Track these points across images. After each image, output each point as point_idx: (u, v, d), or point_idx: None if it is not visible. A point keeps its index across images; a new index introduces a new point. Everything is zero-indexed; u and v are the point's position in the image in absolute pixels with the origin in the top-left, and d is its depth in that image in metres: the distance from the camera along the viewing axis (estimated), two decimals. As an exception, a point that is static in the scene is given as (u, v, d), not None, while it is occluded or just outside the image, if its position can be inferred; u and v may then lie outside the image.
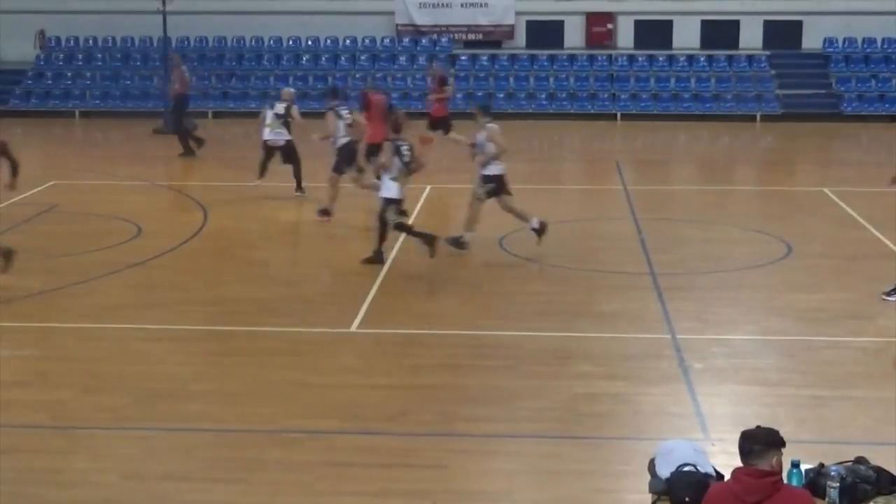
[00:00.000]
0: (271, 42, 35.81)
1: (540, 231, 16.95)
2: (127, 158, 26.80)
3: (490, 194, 16.89)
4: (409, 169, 16.30)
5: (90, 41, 36.08)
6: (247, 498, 9.42)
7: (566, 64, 35.18)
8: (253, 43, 35.83)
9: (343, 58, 35.49)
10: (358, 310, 14.38)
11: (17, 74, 35.09)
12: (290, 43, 35.79)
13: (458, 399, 11.47)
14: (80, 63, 35.61)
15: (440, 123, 25.11)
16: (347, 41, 35.76)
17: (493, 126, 16.90)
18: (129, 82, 34.66)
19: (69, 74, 35.13)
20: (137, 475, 9.82)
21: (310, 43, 35.79)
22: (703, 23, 35.54)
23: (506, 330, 13.63)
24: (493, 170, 16.81)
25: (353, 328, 13.77)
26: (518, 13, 35.90)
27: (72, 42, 36.11)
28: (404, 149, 16.16)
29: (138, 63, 35.37)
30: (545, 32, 35.99)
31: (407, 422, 10.89)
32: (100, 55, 35.84)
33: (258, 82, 34.78)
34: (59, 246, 17.33)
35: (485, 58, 35.48)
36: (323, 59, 35.52)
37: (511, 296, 15.16)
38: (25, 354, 13.04)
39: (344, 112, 19.25)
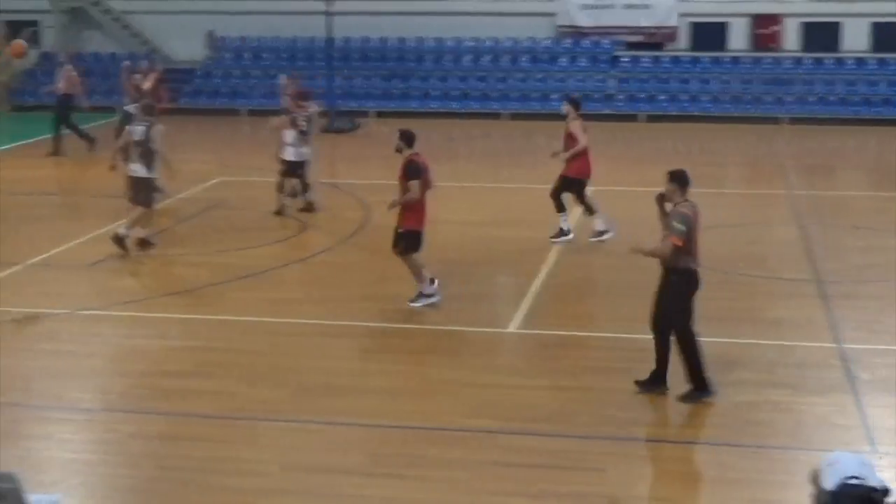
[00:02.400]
0: (432, 42, 36.04)
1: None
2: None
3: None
4: None
5: (257, 41, 36.81)
6: (404, 493, 9.50)
7: (730, 66, 34.62)
8: (414, 43, 36.13)
9: (503, 59, 35.52)
10: (516, 310, 14.39)
11: (187, 73, 35.98)
12: (451, 43, 35.97)
13: (617, 402, 11.38)
14: (248, 62, 36.36)
15: None
16: (508, 42, 35.78)
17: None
18: (293, 81, 35.22)
19: (237, 73, 35.89)
20: (297, 467, 9.98)
21: (470, 43, 35.92)
22: (874, 25, 34.62)
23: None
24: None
25: (512, 328, 13.78)
26: (681, 14, 35.48)
27: (239, 42, 36.89)
28: None
29: (303, 62, 35.92)
30: (708, 34, 35.47)
31: (565, 423, 10.85)
32: (266, 55, 36.54)
33: (419, 82, 35.05)
34: (225, 241, 17.71)
35: (647, 60, 35.14)
36: (483, 59, 35.61)
37: (671, 300, 14.93)
38: (192, 345, 13.38)
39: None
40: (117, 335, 13.67)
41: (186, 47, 36.86)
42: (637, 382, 11.58)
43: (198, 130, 31.08)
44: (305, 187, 19.63)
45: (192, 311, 14.38)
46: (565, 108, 17.87)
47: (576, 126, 17.51)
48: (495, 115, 33.64)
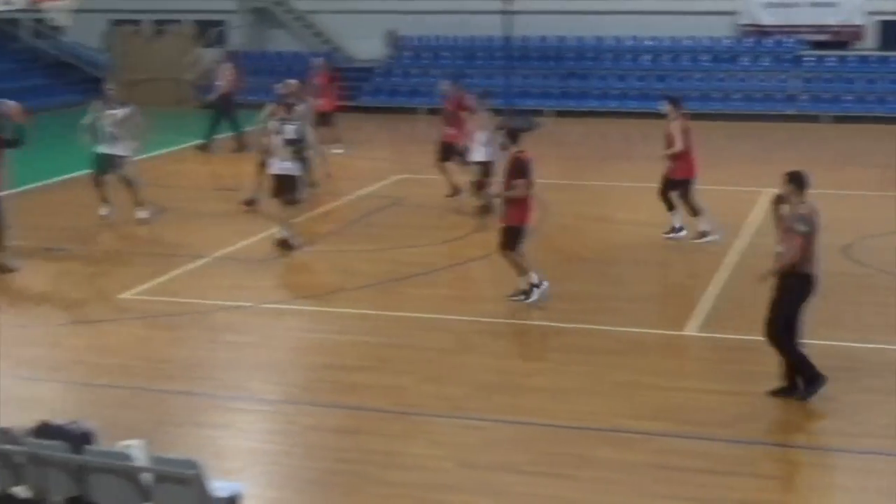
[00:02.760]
0: (611, 41, 35.81)
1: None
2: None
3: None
4: None
5: (437, 40, 37.11)
6: (577, 494, 9.48)
7: (920, 66, 33.56)
8: (593, 42, 35.95)
9: (683, 58, 35.10)
10: (692, 312, 14.21)
11: (367, 72, 36.50)
12: (630, 42, 35.69)
13: (795, 409, 11.16)
14: (427, 61, 36.68)
15: None
16: (688, 41, 35.33)
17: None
18: (472, 80, 35.36)
19: (416, 72, 36.25)
20: (472, 464, 10.04)
21: (649, 43, 35.59)
22: None
23: (848, 341, 13.15)
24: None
25: (688, 331, 13.62)
26: (869, 13, 34.51)
27: (419, 41, 37.25)
28: None
29: (481, 61, 36.10)
30: (898, 33, 34.48)
31: (741, 429, 10.68)
32: (445, 54, 36.81)
33: (598, 82, 34.87)
34: (403, 237, 17.92)
35: (832, 59, 34.28)
36: (663, 58, 35.24)
37: (857, 306, 14.60)
38: (371, 340, 13.58)
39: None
40: (299, 328, 13.96)
41: (367, 46, 37.40)
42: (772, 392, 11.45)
43: (377, 129, 31.50)
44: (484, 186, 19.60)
45: (371, 306, 14.58)
46: (666, 107, 17.76)
47: (675, 127, 17.36)
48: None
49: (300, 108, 19.01)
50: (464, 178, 20.10)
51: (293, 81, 20.28)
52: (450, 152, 20.50)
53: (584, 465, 9.99)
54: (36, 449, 8.32)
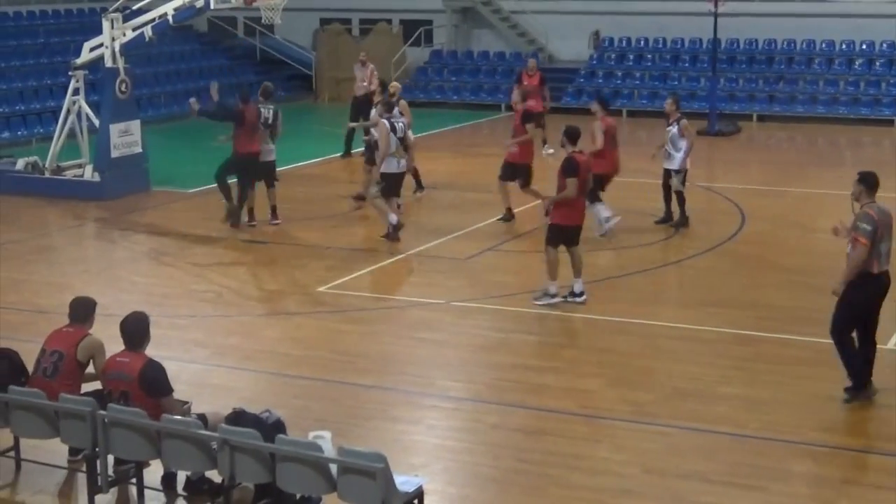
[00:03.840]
0: (823, 45, 34.84)
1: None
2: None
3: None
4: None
5: (641, 42, 36.77)
6: (764, 507, 9.30)
7: None
8: (804, 46, 35.03)
9: (899, 63, 33.93)
10: (896, 326, 13.73)
11: (571, 73, 36.38)
12: (844, 47, 34.67)
13: None
14: (631, 63, 36.37)
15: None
16: (905, 45, 34.14)
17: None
18: (676, 83, 35.00)
19: (619, 74, 35.98)
20: (658, 471, 9.93)
21: (864, 47, 34.50)
22: None
23: None
24: None
25: (891, 345, 13.14)
26: None
27: (624, 43, 36.96)
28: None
29: (686, 64, 35.61)
30: None
31: (937, 448, 10.29)
32: (650, 56, 36.45)
33: (807, 86, 33.98)
34: (599, 240, 17.74)
35: None
36: (877, 63, 34.11)
37: None
38: (559, 341, 13.57)
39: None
40: (488, 327, 14.01)
41: (571, 47, 37.30)
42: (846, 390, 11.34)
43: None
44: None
45: (562, 308, 14.53)
46: (594, 106, 18.63)
47: (597, 126, 18.05)
48: (888, 122, 32.18)
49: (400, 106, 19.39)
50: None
51: (396, 84, 21.42)
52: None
53: (773, 477, 9.77)
54: (229, 436, 8.58)
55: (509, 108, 26.04)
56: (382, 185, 17.82)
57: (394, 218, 17.73)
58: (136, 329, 9.38)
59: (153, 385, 9.16)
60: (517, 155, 18.83)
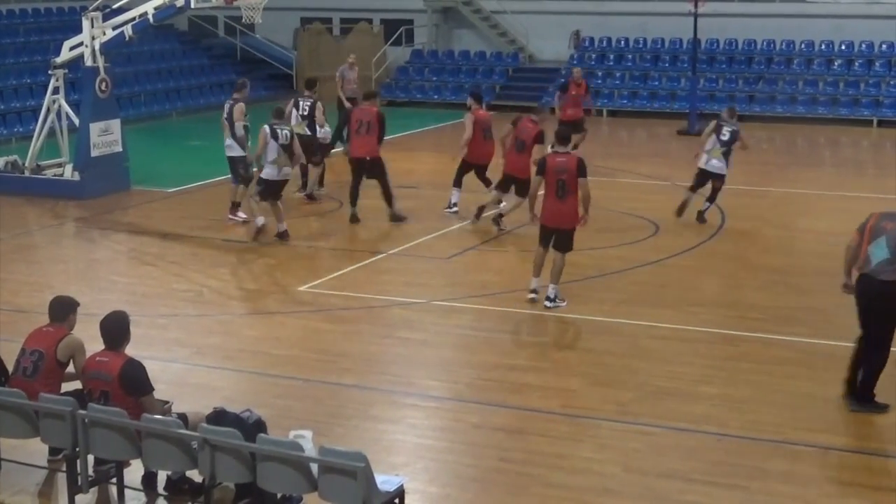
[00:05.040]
0: (803, 46, 34.94)
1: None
2: (650, 157, 27.16)
3: None
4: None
5: (622, 42, 36.83)
6: (745, 506, 9.31)
7: None
8: (783, 46, 35.14)
9: (878, 63, 34.03)
10: (876, 325, 13.76)
11: (551, 73, 36.42)
12: (823, 47, 34.78)
13: (981, 429, 10.74)
14: (612, 63, 36.43)
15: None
16: (884, 46, 34.24)
17: None
18: (656, 83, 35.07)
19: (600, 74, 36.02)
20: (639, 470, 9.94)
21: (843, 47, 34.63)
22: None
23: None
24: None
25: (869, 344, 13.19)
26: None
27: (604, 43, 37.01)
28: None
29: (667, 64, 35.69)
30: None
31: (920, 447, 10.33)
32: (630, 56, 36.51)
33: (787, 86, 34.09)
34: (580, 239, 17.67)
35: None
36: (856, 64, 34.24)
37: None
38: (541, 341, 13.57)
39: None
40: (470, 326, 14.01)
41: (552, 47, 37.33)
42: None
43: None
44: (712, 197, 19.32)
45: (542, 307, 14.53)
46: (469, 100, 20.04)
47: (469, 118, 19.63)
48: (867, 122, 32.31)
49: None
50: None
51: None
52: None
53: (754, 476, 9.79)
54: (210, 435, 8.55)
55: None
56: (261, 188, 17.86)
57: (260, 220, 17.78)
58: (116, 328, 9.34)
59: (133, 384, 9.12)
60: (518, 169, 18.50)
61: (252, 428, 8.88)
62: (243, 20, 21.79)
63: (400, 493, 8.46)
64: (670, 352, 13.03)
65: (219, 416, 9.02)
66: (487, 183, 19.77)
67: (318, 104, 20.43)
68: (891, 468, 9.90)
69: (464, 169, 19.90)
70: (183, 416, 9.23)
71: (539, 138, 18.31)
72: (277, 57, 39.01)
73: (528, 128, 18.37)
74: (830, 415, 11.10)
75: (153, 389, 9.25)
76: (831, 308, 14.64)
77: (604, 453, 10.26)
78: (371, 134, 18.91)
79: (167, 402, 9.59)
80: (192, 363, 12.62)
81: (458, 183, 19.93)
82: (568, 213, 14.53)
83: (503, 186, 18.73)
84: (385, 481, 8.41)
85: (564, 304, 14.50)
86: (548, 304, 14.46)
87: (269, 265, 16.91)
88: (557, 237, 14.57)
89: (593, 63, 36.57)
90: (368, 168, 19.02)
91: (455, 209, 19.75)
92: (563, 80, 26.92)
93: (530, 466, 9.98)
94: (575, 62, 36.54)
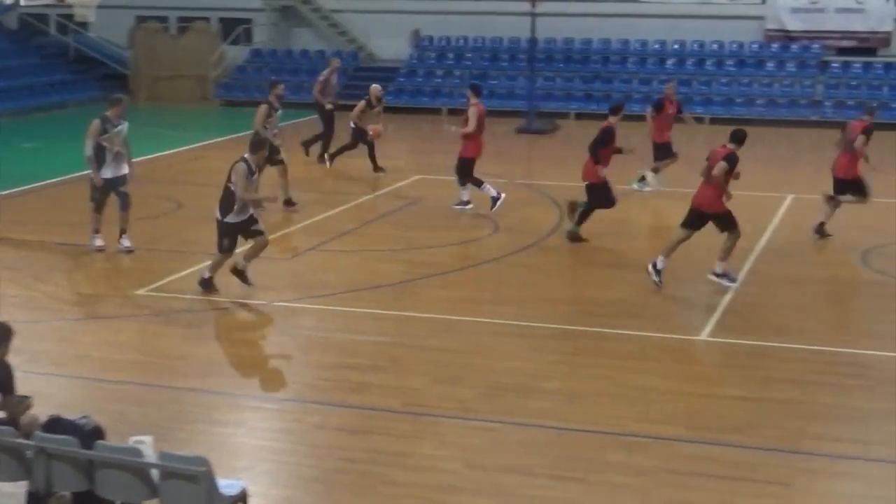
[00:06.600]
0: (637, 45, 35.70)
1: None
2: (488, 156, 27.32)
3: None
4: None
5: (461, 41, 37.09)
6: (586, 498, 9.45)
7: (947, 74, 33.34)
8: (618, 45, 35.84)
9: (709, 62, 34.96)
10: (710, 317, 14.16)
11: (391, 72, 36.49)
12: (656, 46, 35.57)
13: (808, 416, 11.11)
14: (451, 62, 36.65)
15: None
16: (714, 45, 35.19)
17: None
18: (495, 82, 35.39)
19: (439, 73, 36.22)
20: (481, 466, 10.02)
21: (675, 47, 35.47)
22: None
23: (865, 348, 13.09)
24: None
25: (703, 335, 13.57)
26: (896, 19, 34.34)
27: (444, 42, 37.23)
28: None
29: (505, 63, 36.05)
30: (926, 40, 34.24)
31: (753, 435, 10.62)
32: (469, 55, 36.79)
33: (622, 85, 34.77)
34: (420, 238, 17.92)
35: (858, 66, 34.11)
36: (688, 63, 35.11)
37: (873, 314, 14.53)
38: (382, 340, 13.57)
39: None
40: (311, 327, 13.95)
41: (391, 46, 37.41)
42: None
43: (398, 129, 31.45)
44: None
45: (383, 306, 14.57)
46: (468, 93, 20.31)
47: (472, 112, 19.75)
48: (699, 120, 33.09)
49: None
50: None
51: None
52: None
53: (594, 468, 9.95)
54: (45, 443, 8.35)
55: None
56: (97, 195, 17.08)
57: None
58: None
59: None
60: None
61: (89, 435, 8.69)
62: (76, 18, 21.35)
63: (243, 496, 8.39)
64: (510, 348, 13.17)
65: (54, 424, 8.80)
66: (478, 183, 19.75)
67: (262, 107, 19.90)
68: (725, 456, 10.14)
69: (469, 167, 19.86)
70: (15, 423, 8.99)
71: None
72: (112, 56, 38.24)
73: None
74: (667, 406, 11.35)
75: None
76: (666, 301, 15.02)
77: (446, 450, 10.32)
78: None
79: (27, 397, 9.33)
80: (26, 370, 12.14)
81: (471, 182, 19.86)
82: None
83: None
84: (227, 485, 8.33)
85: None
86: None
87: (106, 269, 16.58)
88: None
89: (433, 62, 36.77)
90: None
91: (468, 205, 19.82)
92: (656, 97, 25.02)
93: (373, 465, 9.98)
94: (415, 61, 36.74)
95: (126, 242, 17.01)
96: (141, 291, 15.19)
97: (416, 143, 30.62)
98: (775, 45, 34.98)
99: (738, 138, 15.16)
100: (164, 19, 39.04)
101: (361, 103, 23.22)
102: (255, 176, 14.81)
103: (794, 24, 34.97)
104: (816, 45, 34.63)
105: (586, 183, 17.84)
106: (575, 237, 17.76)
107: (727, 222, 15.14)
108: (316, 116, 25.57)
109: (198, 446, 9.83)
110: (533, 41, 32.51)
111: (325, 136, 24.40)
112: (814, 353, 12.93)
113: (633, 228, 19.44)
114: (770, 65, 34.66)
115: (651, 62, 35.37)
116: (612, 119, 18.25)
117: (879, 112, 31.98)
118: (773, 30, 35.18)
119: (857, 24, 34.57)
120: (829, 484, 9.76)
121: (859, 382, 11.98)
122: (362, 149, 23.59)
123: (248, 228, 14.88)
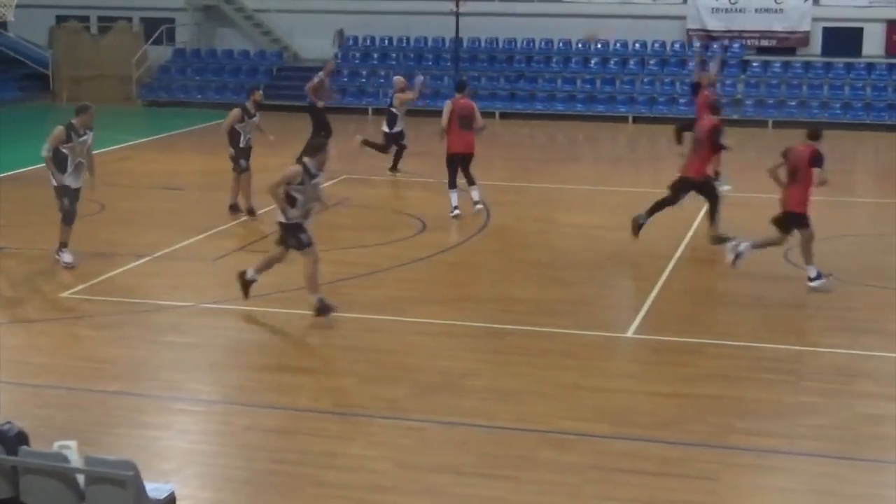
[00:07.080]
0: (560, 44, 35.91)
1: None
2: (413, 156, 27.33)
3: None
4: None
5: (386, 41, 37.08)
6: (515, 496, 9.48)
7: (863, 73, 33.92)
8: (542, 45, 36.03)
9: (632, 62, 35.27)
10: (635, 315, 14.29)
11: (316, 71, 36.27)
12: (580, 46, 35.82)
13: (734, 411, 11.24)
14: (376, 61, 36.63)
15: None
16: (637, 45, 35.52)
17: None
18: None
19: (364, 73, 36.18)
20: (411, 465, 10.03)
21: (599, 46, 35.73)
22: None
23: (787, 344, 13.28)
24: None
25: (630, 333, 13.68)
26: (815, 19, 34.87)
27: (368, 41, 37.19)
28: None
29: (430, 63, 36.09)
30: (842, 40, 34.78)
31: (679, 431, 10.73)
32: (394, 54, 36.78)
33: (546, 84, 34.97)
34: (348, 238, 17.86)
35: (777, 65, 34.60)
36: (611, 62, 35.39)
37: (794, 309, 14.75)
38: (311, 341, 13.53)
39: None
40: (238, 329, 13.88)
41: (316, 45, 37.29)
42: None
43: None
44: None
45: (310, 308, 14.47)
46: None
47: (445, 106, 19.88)
48: (623, 119, 33.43)
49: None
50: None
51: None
52: None
53: (522, 466, 9.99)
54: (-34, 450, 8.22)
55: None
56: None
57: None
58: None
59: None
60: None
61: (13, 440, 8.57)
62: (-5, 18, 21.06)
63: (171, 499, 8.31)
64: (438, 347, 13.19)
65: (-24, 430, 8.67)
66: (471, 180, 19.64)
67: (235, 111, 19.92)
68: (653, 452, 10.24)
69: (454, 166, 19.73)
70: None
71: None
72: (32, 56, 37.77)
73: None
74: (594, 403, 11.43)
75: None
76: (592, 299, 15.14)
77: (376, 450, 10.31)
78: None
79: None
80: (-52, 376, 12.11)
81: (452, 184, 19.65)
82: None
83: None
84: (155, 489, 8.24)
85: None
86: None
87: (29, 272, 16.34)
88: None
89: (357, 61, 36.73)
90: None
91: (457, 212, 19.42)
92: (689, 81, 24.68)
93: (303, 467, 9.95)
94: (339, 61, 36.63)
95: (67, 257, 16.33)
96: (65, 294, 15.02)
97: (342, 142, 30.50)
98: (697, 45, 35.34)
99: (817, 135, 15.71)
100: (84, 19, 38.64)
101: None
102: (319, 178, 14.22)
103: (714, 23, 35.40)
104: (737, 45, 35.05)
105: (697, 180, 17.25)
106: (719, 239, 16.95)
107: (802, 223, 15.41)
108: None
109: (125, 450, 9.74)
110: (457, 41, 32.60)
111: (325, 137, 23.96)
112: (739, 348, 13.08)
113: (562, 228, 19.55)
114: (692, 64, 34.97)
115: (575, 61, 35.60)
116: (715, 119, 17.72)
117: (798, 110, 32.76)
118: (695, 29, 35.56)
119: (776, 24, 35.08)
120: (755, 478, 9.89)
121: (784, 378, 12.15)
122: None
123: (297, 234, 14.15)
